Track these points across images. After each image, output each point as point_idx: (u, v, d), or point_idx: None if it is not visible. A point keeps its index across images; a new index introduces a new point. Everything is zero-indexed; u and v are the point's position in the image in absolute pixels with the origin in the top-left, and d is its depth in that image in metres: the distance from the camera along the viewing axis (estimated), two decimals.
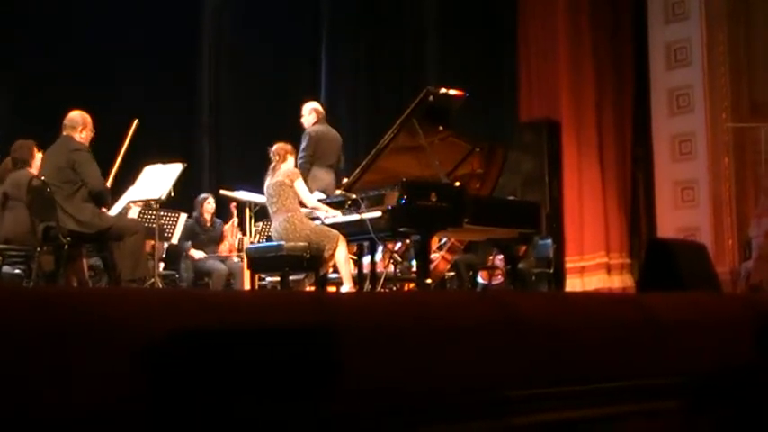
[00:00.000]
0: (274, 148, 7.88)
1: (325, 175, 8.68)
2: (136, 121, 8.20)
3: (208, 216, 10.25)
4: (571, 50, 10.90)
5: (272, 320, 2.25)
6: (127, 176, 8.36)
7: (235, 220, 10.32)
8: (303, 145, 8.76)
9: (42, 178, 7.15)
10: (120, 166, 8.08)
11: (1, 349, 1.77)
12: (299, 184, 7.59)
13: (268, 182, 7.71)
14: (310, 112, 9.22)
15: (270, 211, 7.73)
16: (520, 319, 2.85)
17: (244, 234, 9.85)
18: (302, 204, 7.60)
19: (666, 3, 10.52)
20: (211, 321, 2.12)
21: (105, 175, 7.60)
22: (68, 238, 7.02)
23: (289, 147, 7.94)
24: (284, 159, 7.73)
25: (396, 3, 12.71)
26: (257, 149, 11.33)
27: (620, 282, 10.58)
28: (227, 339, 2.05)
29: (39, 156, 7.66)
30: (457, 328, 2.53)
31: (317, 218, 7.60)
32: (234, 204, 10.12)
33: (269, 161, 7.87)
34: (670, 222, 10.30)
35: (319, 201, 7.71)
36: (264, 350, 2.10)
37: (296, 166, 7.94)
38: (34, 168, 7.63)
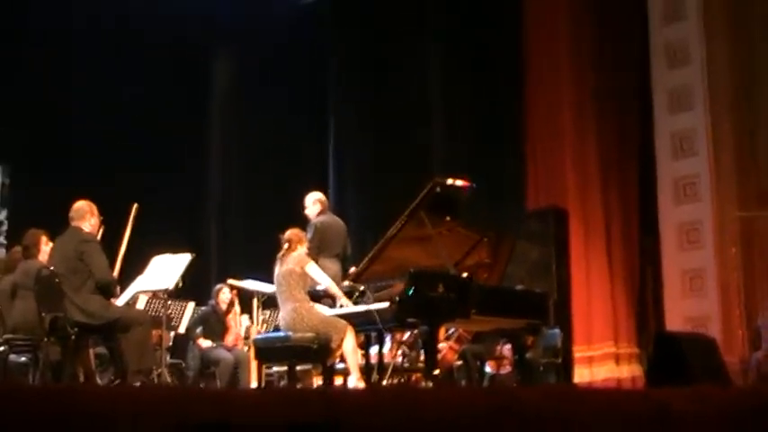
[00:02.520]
0: (286, 234, 7.86)
1: (331, 265, 8.68)
2: (135, 206, 8.23)
3: (224, 306, 10.25)
4: (576, 139, 10.97)
5: (279, 418, 2.25)
6: (134, 262, 8.37)
7: (237, 308, 10.31)
8: (309, 236, 8.77)
9: (51, 268, 7.18)
10: (125, 253, 8.07)
11: None
12: (311, 268, 7.59)
13: (277, 270, 7.70)
14: (314, 203, 9.27)
15: (279, 300, 7.72)
16: (528, 415, 2.83)
17: (252, 322, 9.83)
18: (313, 297, 7.57)
19: (672, 94, 10.62)
20: (219, 418, 2.12)
21: (112, 264, 7.62)
22: (75, 329, 7.02)
23: (301, 234, 7.93)
24: (294, 249, 7.72)
25: (402, 92, 12.83)
26: (264, 237, 11.39)
27: (628, 372, 10.48)
28: None
29: (48, 246, 7.70)
30: (466, 428, 2.52)
31: (325, 296, 7.61)
32: (235, 292, 10.12)
33: (277, 248, 7.88)
34: (678, 311, 10.25)
35: None
36: None
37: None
38: (42, 258, 7.68)
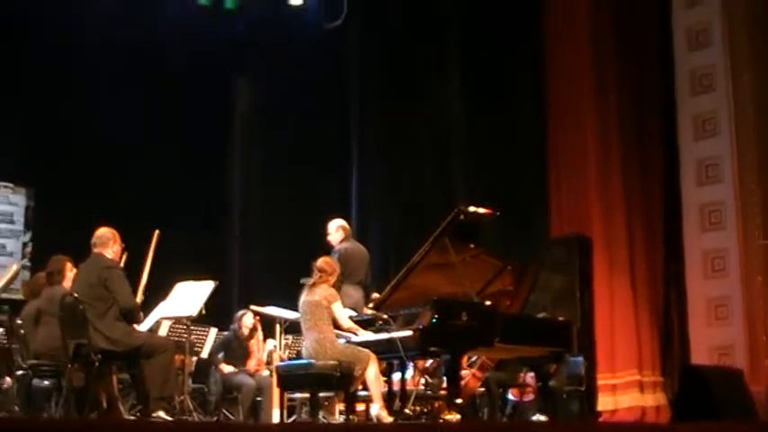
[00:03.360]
0: (319, 263, 7.80)
1: (354, 292, 8.68)
2: (157, 233, 8.20)
3: (246, 331, 10.25)
4: (600, 166, 10.92)
5: None
6: (156, 289, 8.38)
7: (260, 334, 10.31)
8: None
9: (75, 295, 7.20)
10: (148, 279, 8.07)
11: None
12: (338, 308, 7.56)
13: (303, 298, 7.67)
14: (337, 230, 9.28)
15: (302, 327, 7.70)
16: None
17: (275, 347, 9.82)
18: (337, 326, 7.55)
19: (696, 120, 10.56)
20: None
21: (134, 290, 7.63)
22: (99, 356, 7.04)
23: (335, 266, 7.87)
24: (325, 280, 7.67)
25: (425, 119, 12.85)
26: (284, 264, 11.41)
27: (653, 400, 10.37)
28: None
29: (72, 272, 7.74)
30: None
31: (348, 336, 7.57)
32: (257, 318, 10.13)
33: (298, 275, 7.86)
34: (703, 340, 10.16)
35: (350, 318, 7.67)
36: None
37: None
38: (66, 283, 7.71)
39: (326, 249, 8.99)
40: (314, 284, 7.66)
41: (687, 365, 9.23)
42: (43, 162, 12.18)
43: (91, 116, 12.07)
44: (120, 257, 7.67)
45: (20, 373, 7.96)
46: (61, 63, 12.13)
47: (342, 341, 7.52)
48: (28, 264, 12.24)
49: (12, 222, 12.72)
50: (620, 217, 10.77)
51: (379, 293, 8.05)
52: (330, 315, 7.48)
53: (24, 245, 12.74)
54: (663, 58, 10.95)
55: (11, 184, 12.74)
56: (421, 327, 6.89)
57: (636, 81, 11.06)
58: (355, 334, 7.56)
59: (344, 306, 7.90)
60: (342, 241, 9.15)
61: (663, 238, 10.87)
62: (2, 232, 12.62)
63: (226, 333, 10.32)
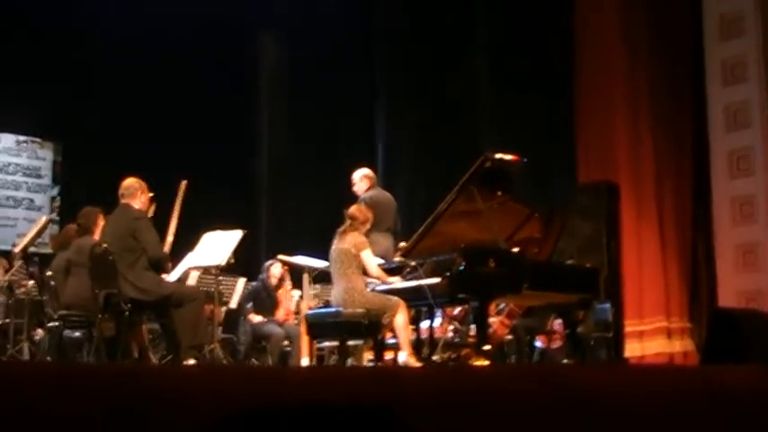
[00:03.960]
0: (351, 210, 7.81)
1: (383, 240, 8.65)
2: (184, 182, 8.17)
3: (274, 281, 10.31)
4: (629, 112, 10.82)
5: (332, 398, 2.25)
6: (185, 239, 8.41)
7: (288, 284, 10.36)
8: None
9: (105, 245, 7.24)
10: (176, 230, 8.08)
11: (67, 421, 1.79)
12: (367, 255, 7.53)
13: (335, 245, 7.66)
14: (362, 179, 9.26)
15: (332, 276, 7.71)
16: (580, 395, 2.82)
17: (302, 297, 9.88)
18: (366, 274, 7.56)
19: (724, 64, 10.45)
20: (272, 401, 2.13)
21: (162, 240, 7.66)
22: (129, 306, 7.09)
23: (367, 213, 7.85)
24: (356, 228, 7.66)
25: (452, 68, 12.77)
26: (312, 214, 11.44)
27: (680, 347, 10.37)
28: (288, 420, 2.05)
29: (102, 223, 7.78)
30: (517, 408, 2.51)
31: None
32: (285, 268, 10.16)
33: (327, 224, 7.86)
34: (731, 286, 10.13)
35: (379, 266, 7.67)
36: (327, 430, 2.10)
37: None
38: (97, 235, 7.75)
39: (353, 199, 8.98)
40: (344, 232, 7.64)
41: (716, 308, 9.20)
42: (70, 116, 12.23)
43: (115, 68, 12.09)
44: (149, 207, 7.70)
45: (51, 324, 8.03)
46: (86, 17, 12.14)
47: (370, 289, 7.54)
48: (56, 218, 12.33)
49: (39, 177, 12.81)
50: (648, 163, 10.70)
51: (407, 242, 8.04)
52: (359, 263, 7.48)
53: (52, 199, 12.84)
54: (692, 1, 10.82)
55: (38, 139, 12.83)
56: (449, 273, 6.90)
57: (666, 25, 10.94)
58: (384, 282, 7.57)
59: (375, 254, 7.84)
60: (367, 190, 9.13)
61: (691, 185, 10.80)
62: (30, 187, 12.72)
63: (254, 283, 10.39)
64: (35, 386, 1.88)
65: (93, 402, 1.86)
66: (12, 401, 1.83)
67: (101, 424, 1.83)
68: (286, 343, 10.01)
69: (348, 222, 7.67)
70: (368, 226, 7.80)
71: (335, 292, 7.59)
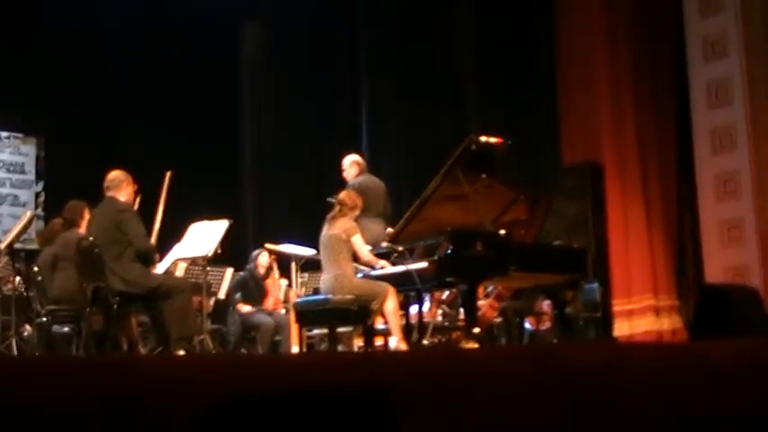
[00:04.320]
0: (340, 196, 7.81)
1: (374, 226, 8.63)
2: (169, 173, 8.18)
3: (262, 270, 10.31)
4: (611, 92, 10.84)
5: (323, 384, 2.25)
6: (172, 231, 8.40)
7: (276, 273, 10.36)
8: None
9: (91, 239, 7.23)
10: (162, 221, 8.06)
11: (63, 416, 1.79)
12: (357, 240, 7.53)
13: (324, 231, 7.65)
14: (351, 165, 9.26)
15: (322, 262, 7.71)
16: (571, 372, 2.83)
17: (290, 286, 9.88)
18: (357, 259, 7.56)
19: (706, 41, 10.47)
20: (264, 387, 2.13)
21: (149, 232, 7.65)
22: (117, 299, 7.08)
23: (357, 199, 7.84)
24: (345, 214, 7.66)
25: (435, 51, 12.74)
26: (299, 202, 11.43)
27: (669, 324, 10.42)
28: (280, 407, 2.06)
29: (88, 216, 7.76)
30: (509, 389, 2.52)
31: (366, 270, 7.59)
32: (273, 257, 10.15)
33: (311, 211, 7.85)
34: (717, 262, 10.17)
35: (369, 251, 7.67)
36: (318, 416, 2.10)
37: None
38: (83, 229, 7.73)
39: (341, 185, 8.98)
40: (334, 218, 7.64)
41: (705, 283, 9.23)
42: (52, 111, 12.17)
43: (97, 61, 12.05)
44: (134, 200, 7.68)
45: (39, 320, 8.01)
46: (65, 12, 12.08)
47: (360, 275, 7.55)
48: (41, 213, 12.28)
49: (23, 173, 12.75)
50: (631, 143, 10.72)
51: (394, 228, 8.05)
52: (350, 248, 7.48)
53: (37, 194, 12.78)
54: None
55: (20, 135, 12.76)
56: (436, 257, 6.91)
57: (647, 4, 10.94)
58: (374, 267, 7.58)
59: (366, 240, 7.81)
60: (356, 176, 9.13)
61: (675, 162, 10.84)
62: (14, 183, 12.66)
63: (242, 273, 10.38)
64: (28, 381, 1.88)
65: (87, 395, 1.86)
66: (4, 397, 1.83)
67: (96, 417, 1.83)
68: (276, 333, 10.00)
69: (337, 208, 7.67)
70: (357, 212, 7.80)
71: (325, 279, 7.59)
